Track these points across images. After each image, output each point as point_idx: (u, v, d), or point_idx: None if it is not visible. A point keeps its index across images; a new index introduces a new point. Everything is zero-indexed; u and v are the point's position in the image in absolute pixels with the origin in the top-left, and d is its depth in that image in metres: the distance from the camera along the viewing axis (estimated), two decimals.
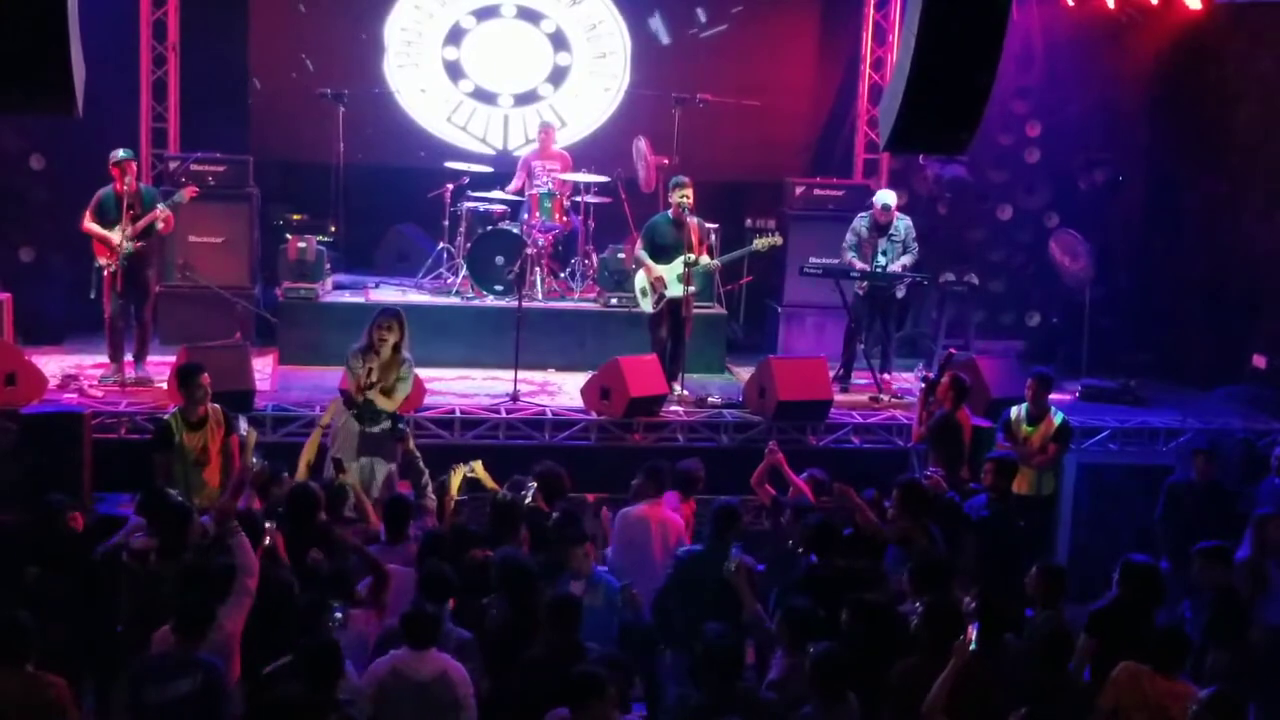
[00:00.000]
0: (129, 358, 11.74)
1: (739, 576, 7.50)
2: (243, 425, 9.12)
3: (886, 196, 12.69)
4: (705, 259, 12.01)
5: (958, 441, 10.09)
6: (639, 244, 12.17)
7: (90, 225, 11.36)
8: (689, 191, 11.79)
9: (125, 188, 11.26)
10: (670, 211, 11.96)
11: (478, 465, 9.06)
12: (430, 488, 8.70)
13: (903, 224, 12.63)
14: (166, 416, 9.25)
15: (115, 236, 11.24)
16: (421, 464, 8.56)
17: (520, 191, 13.68)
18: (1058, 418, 10.42)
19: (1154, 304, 14.60)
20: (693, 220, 11.90)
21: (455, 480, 8.87)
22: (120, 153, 11.43)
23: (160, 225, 11.53)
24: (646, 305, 12.16)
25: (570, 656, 6.63)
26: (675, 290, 11.88)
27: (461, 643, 7.00)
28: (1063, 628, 7.17)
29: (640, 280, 12.16)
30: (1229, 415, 12.45)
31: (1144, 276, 14.70)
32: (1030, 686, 6.72)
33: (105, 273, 11.33)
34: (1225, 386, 13.46)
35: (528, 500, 8.64)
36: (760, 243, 12.29)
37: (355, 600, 7.39)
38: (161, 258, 12.18)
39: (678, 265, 11.85)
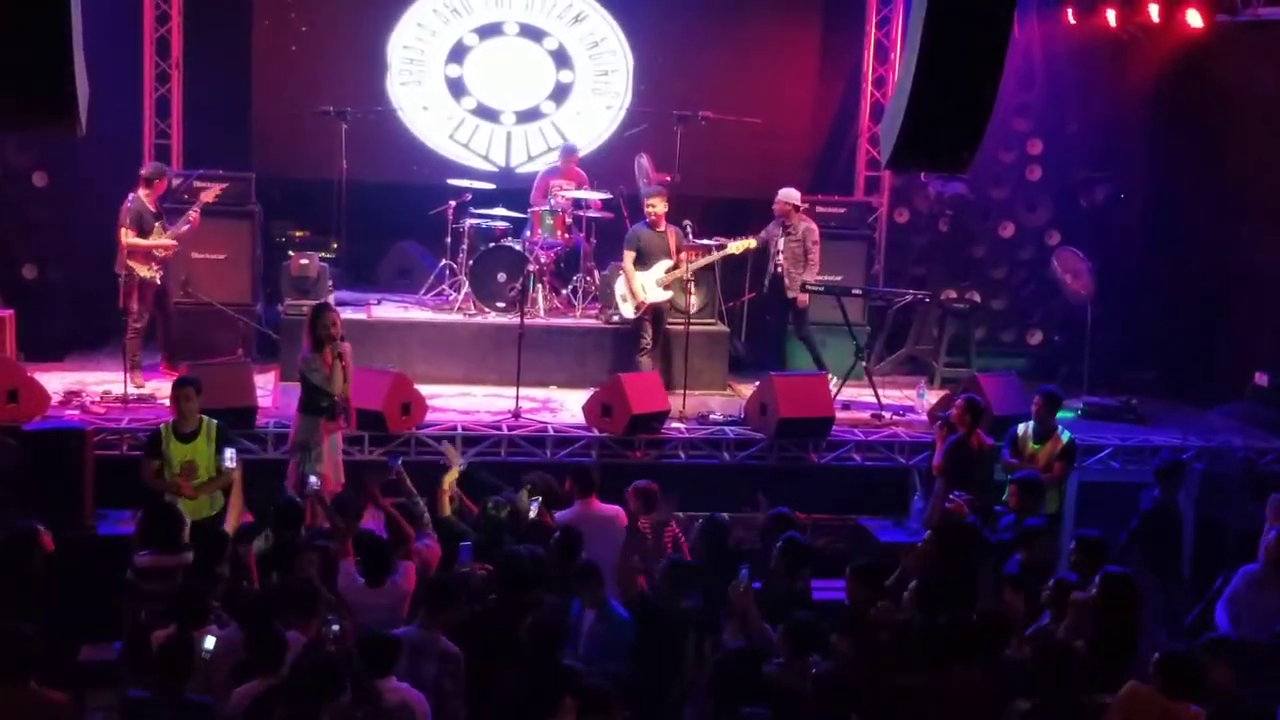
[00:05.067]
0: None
1: (746, 597, 7.49)
2: (230, 457, 9.14)
3: (784, 191, 13.02)
4: (666, 264, 12.32)
5: (967, 464, 10.11)
6: (625, 253, 12.43)
7: (135, 240, 11.68)
8: (655, 201, 12.38)
9: (160, 202, 11.97)
10: (647, 220, 12.39)
11: (451, 451, 9.22)
12: (430, 525, 8.67)
13: (803, 226, 12.85)
14: (160, 426, 9.37)
15: (166, 243, 11.86)
16: (421, 506, 8.51)
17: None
18: (1064, 436, 10.41)
19: (1155, 322, 14.59)
20: (672, 227, 12.37)
21: (450, 478, 8.92)
22: (160, 166, 12.21)
23: (186, 227, 12.08)
24: (628, 310, 12.49)
25: (552, 681, 6.54)
26: (654, 295, 12.31)
27: (446, 654, 6.95)
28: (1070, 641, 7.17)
29: (620, 287, 12.52)
30: (1230, 433, 12.42)
31: (1145, 294, 14.69)
32: (1033, 700, 6.73)
33: (155, 281, 11.78)
34: (1227, 404, 13.45)
35: (532, 515, 8.64)
36: (735, 245, 12.47)
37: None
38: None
39: (657, 270, 12.27)
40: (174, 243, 11.93)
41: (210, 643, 6.76)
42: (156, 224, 11.86)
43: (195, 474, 9.09)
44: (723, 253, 12.57)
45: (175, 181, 13.00)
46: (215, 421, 9.28)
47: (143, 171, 12.09)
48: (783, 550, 8.11)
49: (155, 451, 9.18)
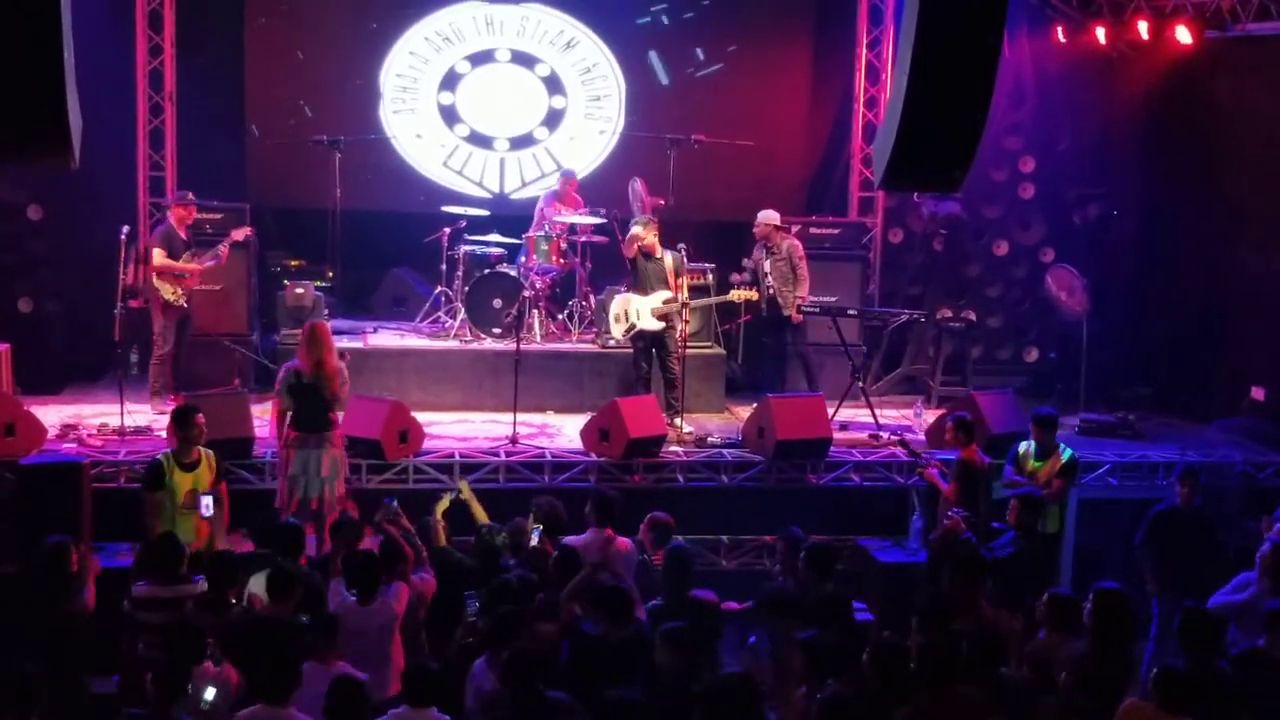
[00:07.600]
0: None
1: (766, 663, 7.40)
2: (205, 505, 9.05)
3: (762, 214, 13.04)
4: (665, 294, 12.18)
5: (975, 482, 10.10)
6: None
7: (167, 261, 12.03)
8: (639, 230, 12.18)
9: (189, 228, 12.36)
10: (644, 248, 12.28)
11: (464, 485, 9.11)
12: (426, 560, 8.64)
13: (785, 244, 12.87)
14: (159, 456, 9.28)
15: (194, 266, 12.19)
16: (418, 543, 8.45)
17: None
18: (1065, 454, 10.38)
19: (1151, 338, 14.59)
20: (667, 255, 12.20)
21: (442, 506, 8.89)
22: (190, 195, 12.44)
23: (212, 262, 12.37)
24: (617, 332, 12.47)
25: (535, 713, 6.53)
26: (646, 324, 12.18)
27: (559, 706, 6.70)
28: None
29: (615, 307, 12.47)
30: (1228, 448, 12.41)
31: (1140, 310, 14.69)
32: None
33: (178, 305, 12.09)
34: (1224, 419, 13.44)
35: (533, 542, 8.62)
36: (736, 295, 12.58)
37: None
38: None
39: (653, 299, 12.17)
40: (201, 266, 12.23)
41: (211, 694, 6.65)
42: (186, 251, 12.17)
43: (198, 504, 9.03)
44: (721, 299, 12.76)
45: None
46: (211, 451, 9.27)
47: (174, 197, 12.62)
48: (807, 560, 8.14)
49: (159, 483, 9.00)
